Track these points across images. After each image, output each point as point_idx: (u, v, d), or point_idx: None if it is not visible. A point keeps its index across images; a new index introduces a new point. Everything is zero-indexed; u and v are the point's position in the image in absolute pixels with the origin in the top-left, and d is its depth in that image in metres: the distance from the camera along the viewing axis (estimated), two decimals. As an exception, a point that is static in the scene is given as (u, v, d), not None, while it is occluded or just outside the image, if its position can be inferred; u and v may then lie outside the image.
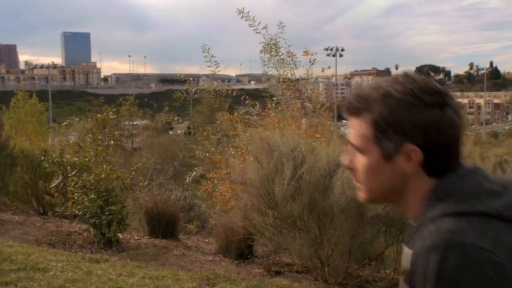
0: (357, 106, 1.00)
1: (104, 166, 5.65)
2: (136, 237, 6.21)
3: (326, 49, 62.72)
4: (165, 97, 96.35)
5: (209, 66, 8.61)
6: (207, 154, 8.88)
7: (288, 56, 8.40)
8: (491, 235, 0.85)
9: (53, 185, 5.97)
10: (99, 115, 6.19)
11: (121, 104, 28.41)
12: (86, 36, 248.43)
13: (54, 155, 7.41)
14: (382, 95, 0.96)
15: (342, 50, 66.49)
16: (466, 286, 0.81)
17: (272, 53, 8.38)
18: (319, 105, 8.42)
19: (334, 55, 62.17)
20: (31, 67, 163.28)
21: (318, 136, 7.64)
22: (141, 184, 6.51)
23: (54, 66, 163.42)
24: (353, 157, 1.03)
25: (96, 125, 6.15)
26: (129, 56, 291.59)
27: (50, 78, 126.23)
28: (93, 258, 4.95)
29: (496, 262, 0.82)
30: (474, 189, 0.92)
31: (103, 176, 5.54)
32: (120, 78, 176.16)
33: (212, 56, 8.45)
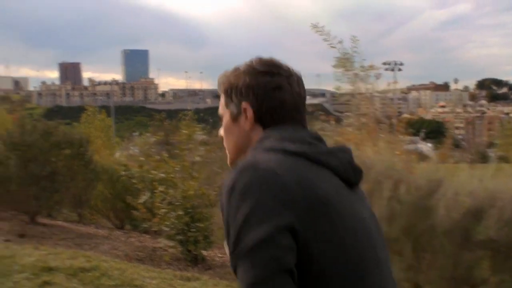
0: (220, 81, 1.18)
1: (192, 183, 5.65)
2: (220, 255, 6.15)
3: (385, 63, 61.88)
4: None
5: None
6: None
7: (362, 71, 8.22)
8: (288, 164, 0.99)
9: (141, 200, 6.02)
10: (185, 131, 6.22)
11: (181, 119, 29.01)
12: (144, 53, 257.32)
13: (132, 170, 7.53)
14: (234, 69, 1.17)
15: (401, 64, 65.33)
16: (253, 197, 0.92)
17: (347, 67, 8.23)
18: (395, 120, 8.15)
19: (392, 69, 61.27)
20: (94, 83, 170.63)
21: (398, 153, 7.38)
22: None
23: (116, 82, 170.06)
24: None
25: (182, 141, 6.18)
26: (186, 72, 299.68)
27: (111, 94, 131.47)
28: (184, 276, 4.91)
29: (284, 182, 0.95)
30: (287, 134, 1.07)
31: (191, 192, 5.53)
32: (177, 94, 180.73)
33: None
